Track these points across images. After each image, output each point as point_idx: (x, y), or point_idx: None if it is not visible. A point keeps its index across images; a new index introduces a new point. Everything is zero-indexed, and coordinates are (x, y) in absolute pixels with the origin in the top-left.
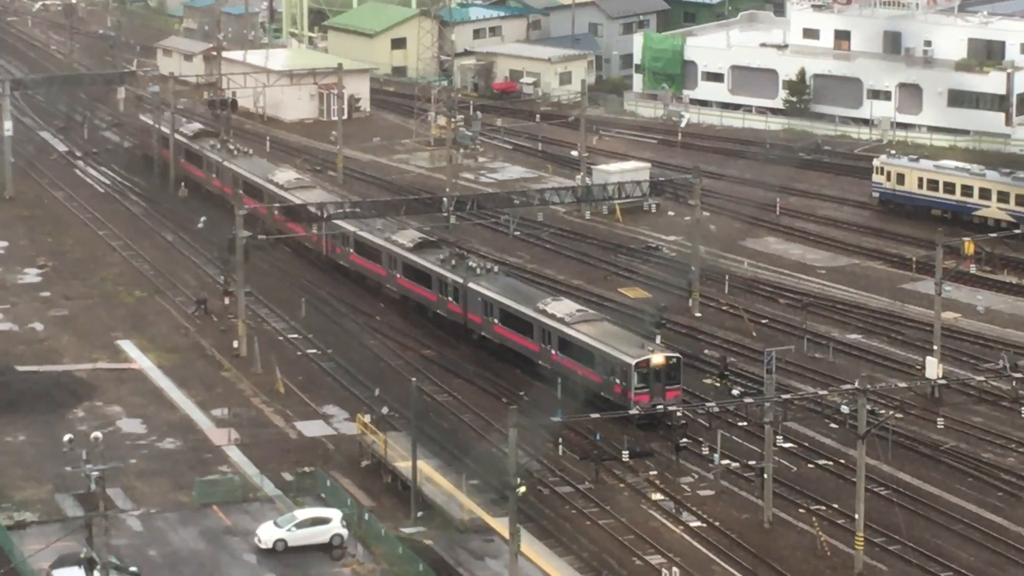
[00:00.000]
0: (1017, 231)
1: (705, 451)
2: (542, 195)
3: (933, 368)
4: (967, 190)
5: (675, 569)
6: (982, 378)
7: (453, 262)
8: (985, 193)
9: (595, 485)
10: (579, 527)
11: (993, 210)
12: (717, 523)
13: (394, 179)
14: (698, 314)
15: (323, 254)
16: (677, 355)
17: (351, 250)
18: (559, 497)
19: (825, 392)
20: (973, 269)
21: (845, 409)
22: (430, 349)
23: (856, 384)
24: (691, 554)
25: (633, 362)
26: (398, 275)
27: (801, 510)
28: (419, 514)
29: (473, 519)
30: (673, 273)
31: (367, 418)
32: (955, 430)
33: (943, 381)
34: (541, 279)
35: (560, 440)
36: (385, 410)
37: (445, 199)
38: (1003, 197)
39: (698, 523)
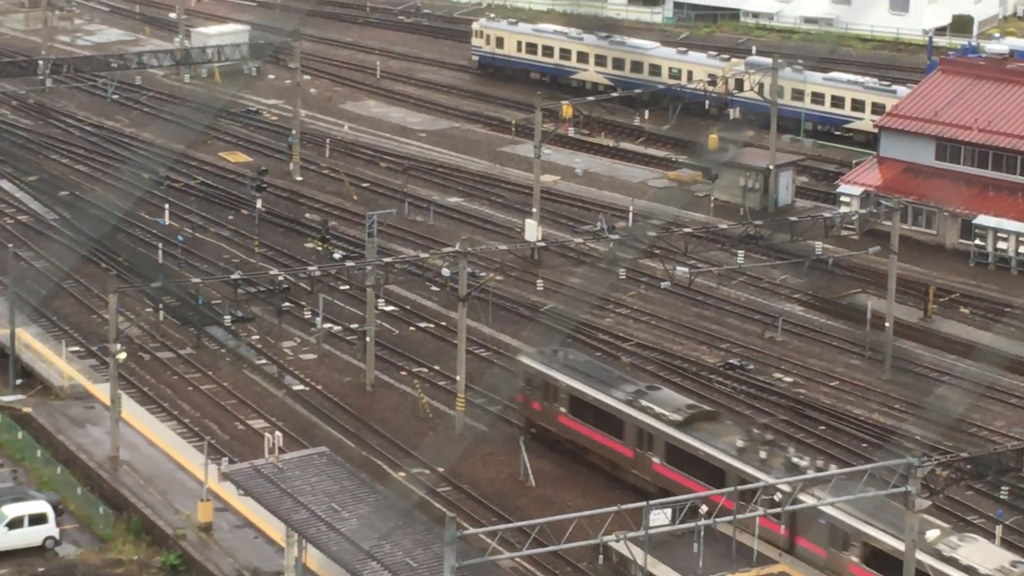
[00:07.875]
0: (614, 94)
1: (307, 315)
2: (140, 58)
3: (533, 230)
4: (565, 53)
5: (278, 433)
6: (580, 240)
7: None
8: (583, 57)
9: (197, 350)
10: (181, 393)
11: (591, 73)
12: (320, 386)
13: None
14: (299, 178)
15: None
16: None
17: None
18: (160, 363)
19: (426, 255)
20: (571, 132)
21: (446, 272)
22: (27, 215)
23: (457, 247)
24: (294, 418)
25: None
26: None
27: (403, 372)
28: (18, 382)
29: (73, 386)
30: (274, 137)
31: None
32: (553, 291)
33: (542, 243)
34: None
35: (161, 305)
36: None
37: (41, 62)
38: (600, 61)
39: (301, 387)
